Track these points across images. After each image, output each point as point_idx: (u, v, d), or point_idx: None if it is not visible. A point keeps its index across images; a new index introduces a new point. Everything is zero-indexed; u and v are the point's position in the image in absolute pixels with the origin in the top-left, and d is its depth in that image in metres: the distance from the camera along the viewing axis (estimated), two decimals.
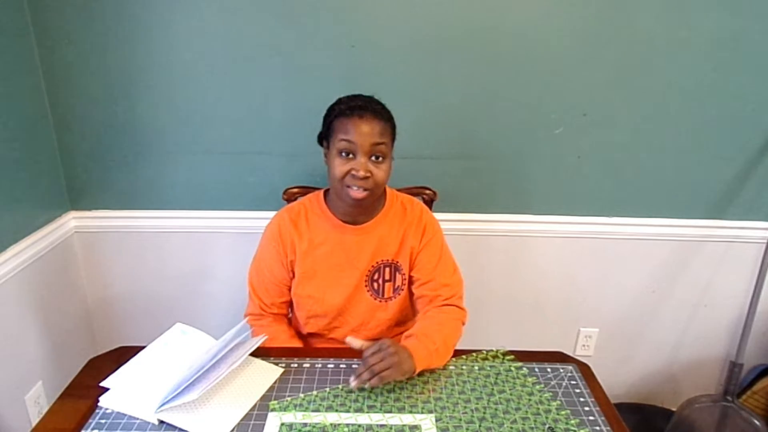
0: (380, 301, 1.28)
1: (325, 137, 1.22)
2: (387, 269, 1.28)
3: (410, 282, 1.30)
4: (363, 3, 1.50)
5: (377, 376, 1.00)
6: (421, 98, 1.59)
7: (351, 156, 1.15)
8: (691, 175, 1.69)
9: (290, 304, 1.35)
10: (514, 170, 1.69)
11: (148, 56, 1.53)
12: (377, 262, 1.27)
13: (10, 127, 1.44)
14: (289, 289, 1.31)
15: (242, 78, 1.56)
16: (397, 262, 1.28)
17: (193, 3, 1.48)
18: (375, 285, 1.27)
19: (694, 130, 1.64)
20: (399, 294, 1.29)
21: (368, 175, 1.14)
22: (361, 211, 1.25)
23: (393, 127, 1.20)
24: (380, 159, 1.16)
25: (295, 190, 1.49)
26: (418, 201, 1.38)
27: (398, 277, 1.29)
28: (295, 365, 1.14)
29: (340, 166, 1.15)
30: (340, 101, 1.20)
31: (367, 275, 1.27)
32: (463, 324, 1.25)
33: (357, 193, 1.16)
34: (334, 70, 1.55)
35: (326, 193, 1.30)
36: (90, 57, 1.53)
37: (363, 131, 1.13)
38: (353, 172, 1.14)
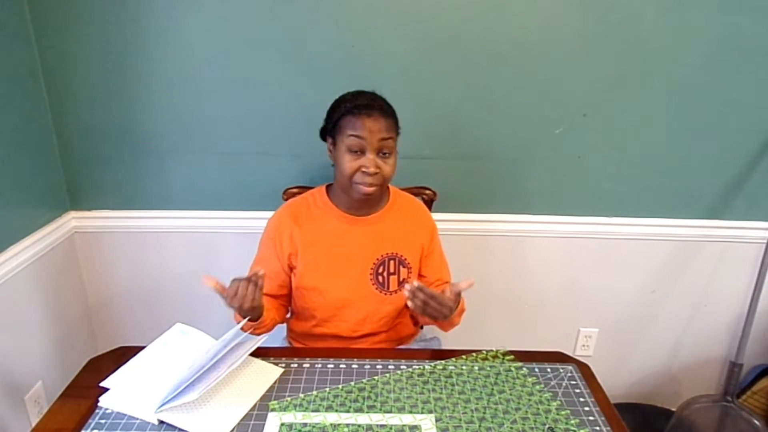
0: (385, 294, 1.29)
1: (330, 133, 1.24)
2: (392, 262, 1.29)
3: (420, 278, 1.34)
4: (363, 3, 1.50)
5: (421, 308, 1.09)
6: (421, 98, 1.59)
7: (360, 153, 1.18)
8: (691, 175, 1.69)
9: (286, 302, 1.36)
10: (514, 170, 1.69)
11: (148, 56, 1.53)
12: (382, 255, 1.28)
13: (10, 127, 1.44)
14: (283, 286, 1.31)
15: (242, 78, 1.56)
16: (402, 256, 1.29)
17: (193, 3, 1.48)
18: (380, 278, 1.28)
19: (693, 130, 1.64)
20: (403, 287, 1.29)
21: (377, 170, 1.18)
22: (366, 205, 1.27)
23: (397, 122, 1.24)
24: (387, 154, 1.19)
25: (295, 190, 1.49)
26: (418, 200, 1.42)
27: (403, 270, 1.30)
28: (295, 365, 1.14)
29: (349, 163, 1.18)
30: (345, 99, 1.22)
31: (372, 268, 1.28)
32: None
33: (367, 188, 1.19)
34: (334, 70, 1.55)
35: (328, 187, 1.32)
36: (90, 57, 1.53)
37: (371, 129, 1.16)
38: (363, 169, 1.17)
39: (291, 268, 1.30)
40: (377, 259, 1.28)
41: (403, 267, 1.30)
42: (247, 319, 1.14)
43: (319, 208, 1.30)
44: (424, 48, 1.54)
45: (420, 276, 1.34)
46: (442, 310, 1.10)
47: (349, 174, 1.18)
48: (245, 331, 1.12)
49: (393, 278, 1.29)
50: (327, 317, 1.31)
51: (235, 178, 1.68)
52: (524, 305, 1.87)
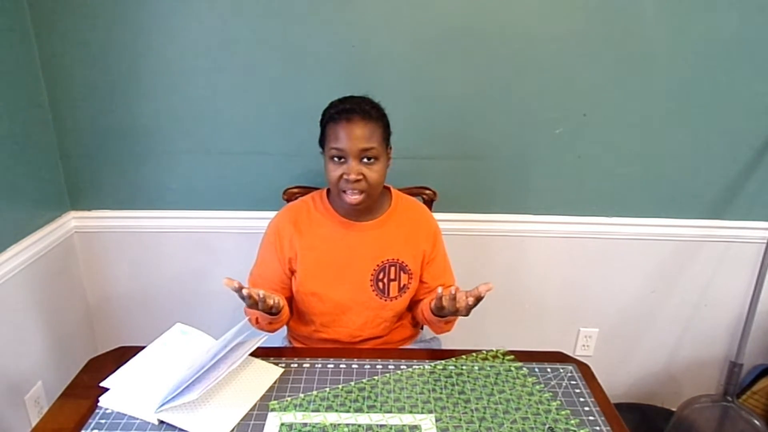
0: (385, 300, 1.28)
1: (321, 141, 1.24)
2: (392, 268, 1.28)
3: (420, 284, 1.33)
4: (363, 3, 1.50)
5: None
6: (421, 98, 1.59)
7: (342, 160, 1.16)
8: (691, 175, 1.69)
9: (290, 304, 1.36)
10: (514, 170, 1.69)
11: (148, 56, 1.53)
12: (382, 261, 1.27)
13: (10, 127, 1.44)
14: (286, 288, 1.31)
15: (242, 78, 1.56)
16: (403, 261, 1.28)
17: (192, 3, 1.48)
18: (380, 284, 1.27)
19: (694, 130, 1.64)
20: (404, 293, 1.29)
21: (360, 177, 1.15)
22: (363, 210, 1.26)
23: (385, 126, 1.20)
24: (372, 161, 1.17)
25: (295, 190, 1.49)
26: (422, 204, 1.39)
27: (403, 276, 1.29)
28: (295, 365, 1.14)
29: (333, 171, 1.17)
30: (331, 105, 1.21)
31: (372, 274, 1.27)
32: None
33: (352, 198, 1.17)
34: (334, 70, 1.55)
35: (329, 191, 1.31)
36: (90, 57, 1.53)
37: (352, 135, 1.14)
38: (345, 176, 1.15)
39: (292, 272, 1.30)
40: (377, 265, 1.27)
41: (404, 273, 1.29)
42: (246, 319, 1.14)
43: (320, 213, 1.29)
44: (424, 48, 1.54)
45: (421, 282, 1.33)
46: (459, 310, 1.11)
47: (334, 181, 1.17)
48: (255, 326, 1.14)
49: (393, 284, 1.28)
50: (326, 322, 1.30)
51: (235, 178, 1.68)
52: (524, 305, 1.87)
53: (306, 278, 1.27)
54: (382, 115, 1.20)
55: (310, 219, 1.28)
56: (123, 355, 1.12)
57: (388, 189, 1.33)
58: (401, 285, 1.29)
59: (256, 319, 1.22)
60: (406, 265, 1.29)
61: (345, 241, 1.27)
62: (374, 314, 1.29)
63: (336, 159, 1.17)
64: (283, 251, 1.27)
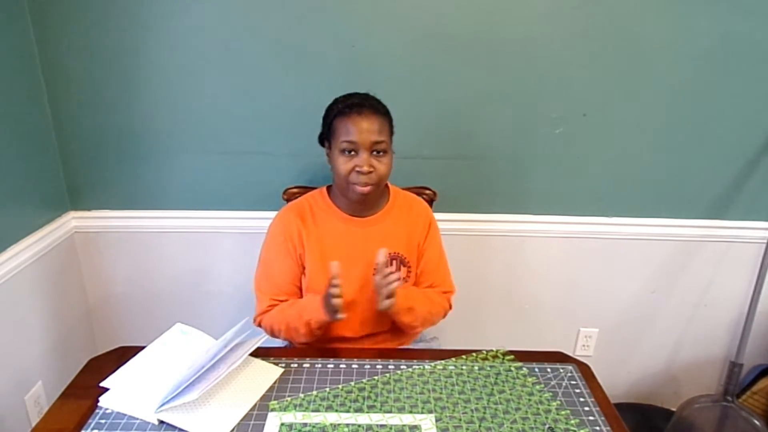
0: None
1: (326, 137, 1.25)
2: (394, 262, 1.29)
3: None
4: (363, 3, 1.50)
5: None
6: (421, 98, 1.59)
7: (353, 153, 1.18)
8: (691, 175, 1.69)
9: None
10: (514, 170, 1.69)
11: (148, 56, 1.53)
12: (385, 256, 1.27)
13: (11, 127, 1.44)
14: (296, 289, 1.31)
15: (242, 78, 1.56)
16: (403, 255, 1.30)
17: (192, 3, 1.48)
18: None
19: (694, 130, 1.64)
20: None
21: (371, 170, 1.18)
22: (366, 205, 1.27)
23: (390, 121, 1.24)
24: (381, 153, 1.19)
25: (295, 190, 1.49)
26: (419, 198, 1.41)
27: (403, 270, 1.30)
28: (295, 365, 1.14)
29: (343, 164, 1.18)
30: (337, 101, 1.23)
31: (375, 268, 1.27)
32: (445, 314, 1.37)
33: (362, 188, 1.19)
34: (335, 70, 1.55)
35: (329, 189, 1.32)
36: (90, 57, 1.53)
37: (363, 128, 1.16)
38: (357, 169, 1.17)
39: (303, 268, 1.30)
40: None
41: (404, 266, 1.30)
42: (246, 319, 1.14)
43: (322, 210, 1.30)
44: (424, 48, 1.54)
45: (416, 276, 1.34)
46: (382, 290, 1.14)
47: (345, 175, 1.19)
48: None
49: None
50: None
51: (235, 178, 1.68)
52: (524, 305, 1.87)
53: (313, 275, 1.27)
54: (387, 110, 1.24)
55: (313, 216, 1.29)
56: (123, 355, 1.12)
57: (386, 185, 1.34)
58: (401, 278, 1.29)
59: (301, 327, 1.21)
60: (405, 258, 1.30)
61: (348, 238, 1.28)
62: (378, 309, 1.29)
63: (347, 152, 1.18)
64: (295, 246, 1.28)
